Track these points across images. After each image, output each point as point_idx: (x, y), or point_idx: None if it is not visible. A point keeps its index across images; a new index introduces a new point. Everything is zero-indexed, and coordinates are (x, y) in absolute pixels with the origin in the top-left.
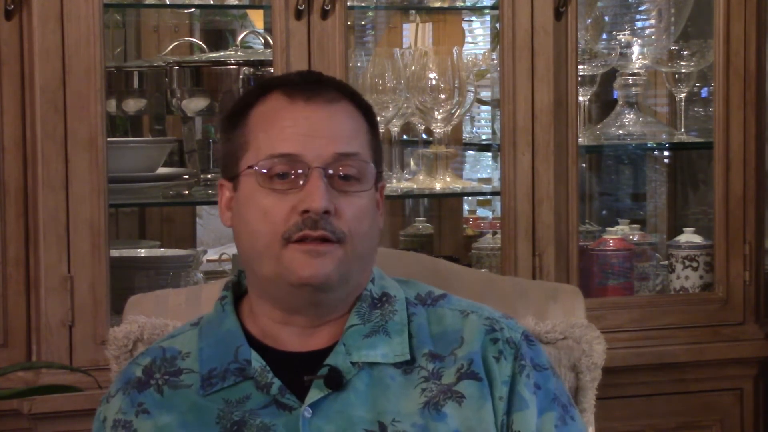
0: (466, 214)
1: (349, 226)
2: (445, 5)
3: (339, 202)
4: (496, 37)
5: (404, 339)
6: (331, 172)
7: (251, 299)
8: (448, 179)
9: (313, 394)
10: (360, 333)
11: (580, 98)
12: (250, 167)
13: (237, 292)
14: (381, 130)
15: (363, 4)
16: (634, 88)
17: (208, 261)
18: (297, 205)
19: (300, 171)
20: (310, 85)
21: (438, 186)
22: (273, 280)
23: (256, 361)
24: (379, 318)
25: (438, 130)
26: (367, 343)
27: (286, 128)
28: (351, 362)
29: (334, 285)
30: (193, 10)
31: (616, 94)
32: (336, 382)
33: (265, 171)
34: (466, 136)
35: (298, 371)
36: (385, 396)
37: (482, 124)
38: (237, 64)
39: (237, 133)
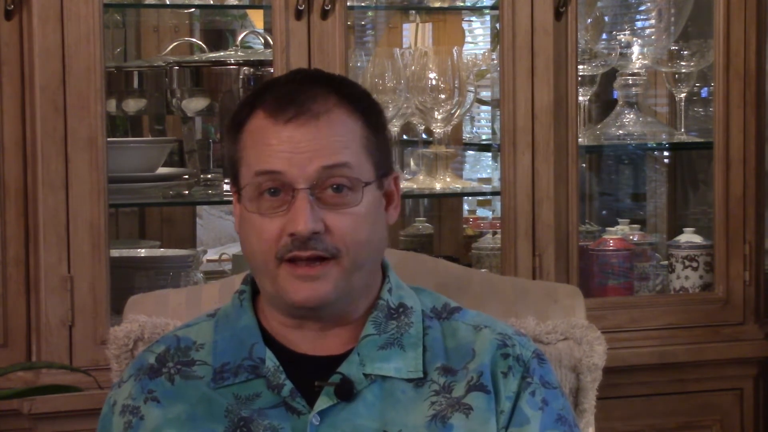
0: (466, 214)
1: (344, 240)
2: (445, 5)
3: (329, 219)
4: (496, 37)
5: (418, 354)
6: (318, 189)
7: (263, 299)
8: (448, 179)
9: (323, 402)
10: (375, 343)
11: (580, 98)
12: (239, 191)
13: (255, 285)
14: None
15: (363, 4)
16: (634, 88)
17: (208, 261)
18: (285, 226)
19: (287, 192)
20: (291, 101)
21: (438, 186)
22: (273, 296)
23: (270, 361)
24: (395, 330)
25: (438, 130)
26: (381, 355)
27: (270, 146)
28: (364, 374)
29: (333, 302)
30: (193, 10)
31: (616, 94)
32: (347, 392)
33: (253, 191)
34: (466, 136)
35: (310, 375)
36: (394, 409)
37: (482, 124)
38: (237, 64)
39: (233, 147)
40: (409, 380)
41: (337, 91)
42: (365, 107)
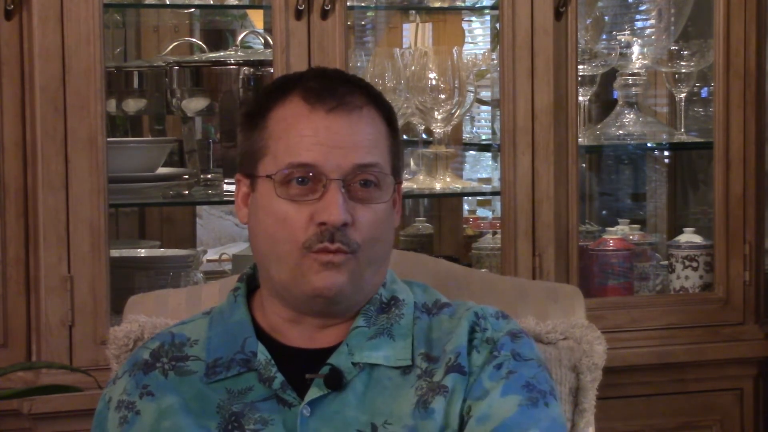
0: (466, 214)
1: (364, 235)
2: (445, 5)
3: (356, 212)
4: (496, 37)
5: (408, 343)
6: (347, 182)
7: (263, 295)
8: (448, 179)
9: (313, 393)
10: (364, 335)
11: (580, 98)
12: (269, 176)
13: (251, 284)
14: None
15: (363, 4)
16: (634, 88)
17: (208, 261)
18: (314, 215)
19: (318, 181)
20: (332, 92)
21: (438, 186)
22: (287, 285)
23: (262, 354)
24: (385, 321)
25: (438, 130)
26: (370, 345)
27: (305, 137)
28: (353, 363)
29: (347, 295)
30: (193, 10)
31: (616, 94)
32: (336, 382)
33: (282, 178)
34: (466, 136)
35: (302, 368)
36: (382, 398)
37: (482, 124)
38: (237, 64)
39: (256, 134)
40: (397, 368)
41: (366, 91)
42: (389, 111)
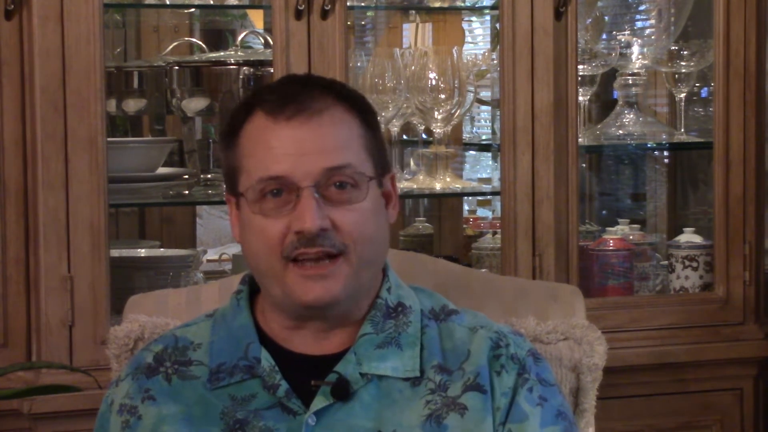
0: (466, 214)
1: (352, 236)
2: (445, 5)
3: (335, 215)
4: (496, 37)
5: (416, 353)
6: (322, 187)
7: (264, 302)
8: (448, 179)
9: (318, 402)
10: (372, 342)
11: (580, 98)
12: (242, 195)
13: (253, 286)
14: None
15: (363, 4)
16: (634, 88)
17: (208, 261)
18: (291, 224)
19: (291, 191)
20: (291, 99)
21: (438, 186)
22: (281, 298)
23: (266, 360)
24: (392, 329)
25: (438, 130)
26: (378, 355)
27: (271, 149)
28: (360, 373)
29: (342, 300)
30: (193, 10)
31: (616, 94)
32: (342, 392)
33: (256, 194)
34: (466, 136)
35: (307, 374)
36: (391, 409)
37: (482, 124)
38: (237, 64)
39: (231, 153)
40: (406, 379)
41: (333, 90)
42: (361, 106)
